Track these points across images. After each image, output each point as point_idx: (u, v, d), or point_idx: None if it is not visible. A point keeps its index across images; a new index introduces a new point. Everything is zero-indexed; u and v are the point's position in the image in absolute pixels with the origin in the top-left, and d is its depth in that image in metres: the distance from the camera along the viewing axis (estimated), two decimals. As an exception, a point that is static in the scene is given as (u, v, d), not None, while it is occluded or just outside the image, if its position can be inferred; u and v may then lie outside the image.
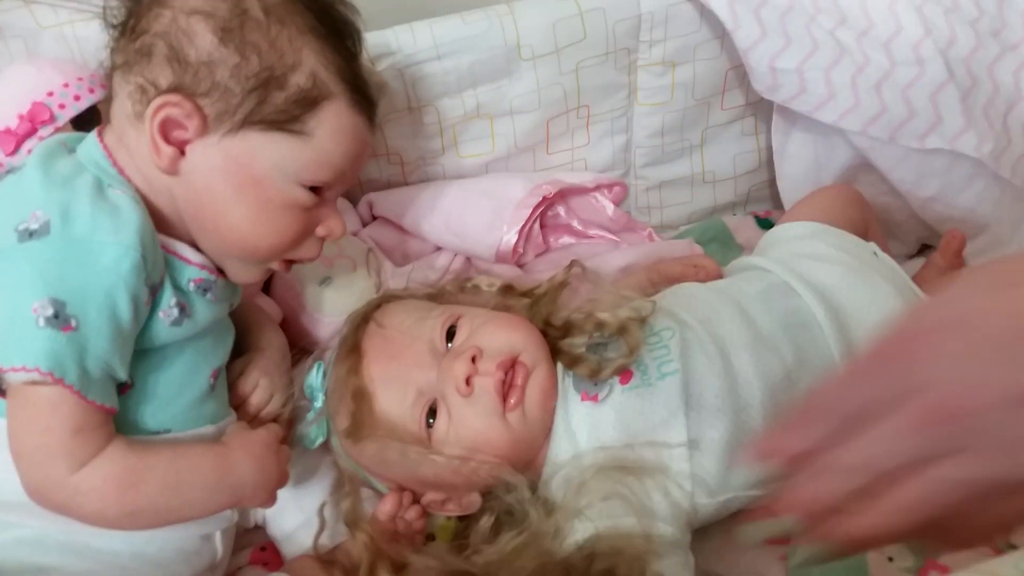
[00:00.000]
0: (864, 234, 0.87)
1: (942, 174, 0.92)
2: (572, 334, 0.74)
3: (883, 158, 0.93)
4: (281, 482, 0.66)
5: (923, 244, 1.04)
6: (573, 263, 0.80)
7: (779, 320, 0.73)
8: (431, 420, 0.68)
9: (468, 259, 0.98)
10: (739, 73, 0.99)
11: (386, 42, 0.88)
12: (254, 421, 0.71)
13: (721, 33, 0.94)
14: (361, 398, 0.68)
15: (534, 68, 0.92)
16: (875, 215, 0.93)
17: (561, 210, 1.03)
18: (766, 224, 1.10)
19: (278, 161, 0.61)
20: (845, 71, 0.90)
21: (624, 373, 0.70)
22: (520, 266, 0.99)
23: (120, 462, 0.56)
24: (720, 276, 0.87)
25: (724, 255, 1.03)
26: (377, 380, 0.69)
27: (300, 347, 0.88)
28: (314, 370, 0.74)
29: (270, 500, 0.65)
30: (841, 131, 0.94)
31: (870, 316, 0.74)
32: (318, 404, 0.73)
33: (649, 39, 0.94)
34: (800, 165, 1.01)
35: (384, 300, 0.77)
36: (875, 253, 0.84)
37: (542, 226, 1.01)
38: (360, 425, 0.67)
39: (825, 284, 0.76)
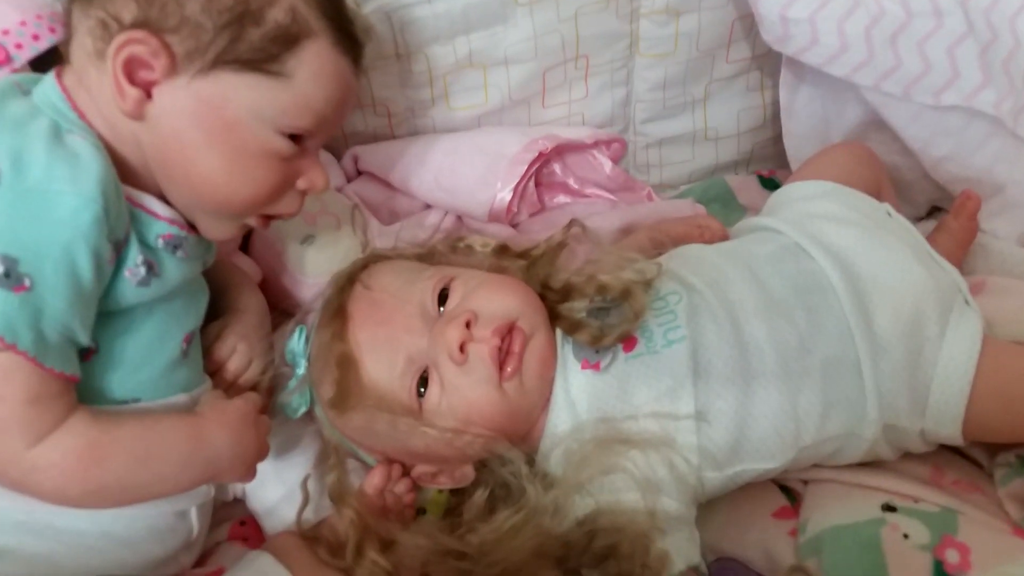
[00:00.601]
0: (877, 194, 0.83)
1: (957, 133, 0.88)
2: (572, 298, 0.70)
3: (895, 115, 0.89)
4: (260, 455, 0.61)
5: (933, 206, 1.00)
6: (572, 223, 0.76)
7: (791, 284, 0.69)
8: (422, 389, 0.64)
9: (459, 218, 0.93)
10: (745, 24, 0.96)
11: (373, -18, 0.82)
12: (231, 389, 0.67)
13: (728, -20, 0.90)
14: (347, 365, 0.64)
15: (530, 14, 0.88)
16: (887, 174, 0.89)
17: (557, 167, 0.99)
18: (770, 184, 1.07)
19: (254, 105, 0.56)
20: (859, 22, 0.85)
21: (628, 340, 0.66)
22: (514, 225, 0.95)
23: (83, 435, 0.51)
24: (726, 237, 0.83)
25: (726, 216, 1.00)
26: (364, 346, 0.65)
27: (281, 309, 0.83)
28: (296, 334, 0.69)
29: (248, 474, 0.61)
30: (852, 86, 0.90)
31: (886, 280, 0.70)
32: (300, 371, 0.68)
33: (652, -15, 0.90)
34: (808, 122, 0.98)
35: (371, 260, 0.72)
36: (889, 213, 0.80)
37: (537, 184, 0.97)
38: (346, 395, 0.63)
39: (839, 246, 0.72)
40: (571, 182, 0.99)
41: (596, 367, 0.66)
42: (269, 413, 0.66)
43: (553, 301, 0.70)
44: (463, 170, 0.89)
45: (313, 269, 0.81)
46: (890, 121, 0.90)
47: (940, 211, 0.99)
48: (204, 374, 0.65)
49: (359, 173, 0.96)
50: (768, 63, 1.00)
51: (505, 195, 0.88)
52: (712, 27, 0.94)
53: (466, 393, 0.63)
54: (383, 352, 0.64)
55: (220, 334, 0.68)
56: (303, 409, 0.68)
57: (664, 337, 0.66)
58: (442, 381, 0.63)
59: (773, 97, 1.02)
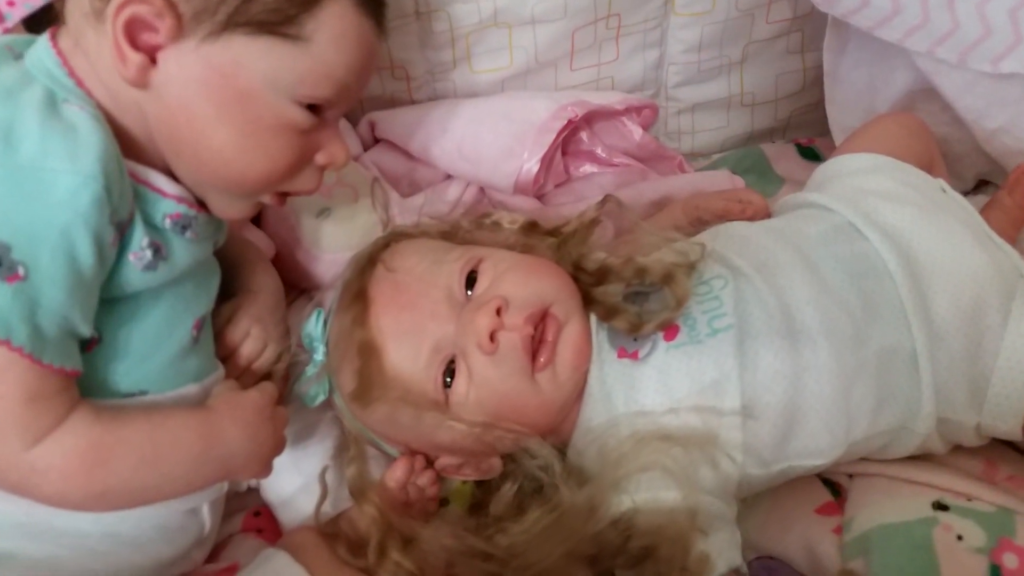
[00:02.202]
0: (929, 169, 0.78)
1: (1015, 103, 0.82)
2: (608, 281, 0.65)
3: (949, 83, 0.84)
4: (277, 450, 0.58)
5: (980, 179, 0.94)
6: (607, 198, 0.71)
7: (845, 268, 0.64)
8: (449, 380, 0.60)
9: (482, 189, 0.88)
10: None
11: (391, -67, 0.76)
12: (245, 375, 0.63)
13: (773, -67, 0.84)
14: (368, 354, 0.59)
15: None
16: (939, 148, 0.84)
17: (584, 135, 0.93)
18: (809, 153, 1.02)
19: (269, 72, 0.51)
20: None
21: (669, 328, 0.62)
22: (539, 197, 0.90)
23: (85, 435, 0.47)
24: (768, 214, 0.77)
25: (763, 188, 0.96)
26: (387, 333, 0.60)
27: (296, 287, 0.79)
28: (313, 317, 0.64)
29: (265, 471, 0.57)
30: (901, 52, 0.84)
31: (945, 264, 0.65)
32: (318, 357, 0.64)
33: (691, -62, 0.85)
34: (853, 89, 0.92)
35: (393, 239, 0.67)
36: (943, 190, 0.75)
37: (563, 153, 0.92)
38: (368, 386, 0.59)
39: (896, 227, 0.67)
40: (599, 151, 0.94)
41: (634, 356, 0.62)
42: (285, 402, 0.63)
43: (587, 284, 0.66)
44: (487, 138, 0.84)
45: (330, 244, 0.76)
46: (943, 89, 0.84)
47: (988, 185, 0.94)
48: (216, 360, 0.61)
49: (376, 141, 0.91)
50: (810, 24, 0.94)
51: (532, 166, 0.83)
52: None
53: (496, 385, 0.59)
54: (407, 339, 0.60)
55: (232, 316, 0.64)
56: (321, 398, 0.63)
57: (709, 325, 0.61)
58: (470, 372, 0.59)
59: (814, 61, 0.97)
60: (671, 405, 0.60)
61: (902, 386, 0.63)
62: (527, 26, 0.86)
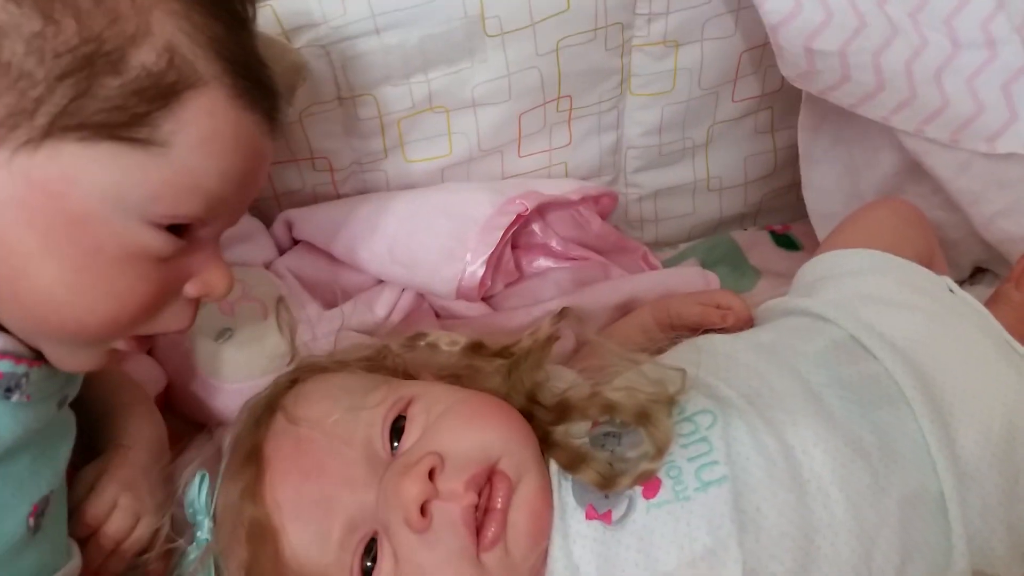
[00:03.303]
0: (929, 264, 0.69)
1: (1015, 184, 0.75)
2: (569, 418, 0.53)
3: (940, 165, 0.77)
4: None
5: (976, 267, 0.86)
6: (564, 311, 0.59)
7: (855, 397, 0.54)
8: (370, 566, 0.46)
9: (421, 295, 0.77)
10: (754, 56, 0.83)
11: (307, 9, 0.67)
12: (111, 559, 0.49)
13: (735, 6, 0.78)
14: (261, 538, 0.46)
15: (503, 47, 0.74)
16: (937, 238, 0.75)
17: (536, 227, 0.83)
18: (784, 241, 0.93)
19: (112, 188, 0.38)
20: (898, 55, 0.73)
21: (649, 482, 0.49)
22: (486, 299, 0.79)
23: None
24: (751, 322, 0.67)
25: (738, 282, 0.88)
26: (286, 509, 0.47)
27: (195, 423, 0.66)
28: (196, 482, 0.51)
29: None
30: (885, 130, 0.77)
31: (968, 386, 0.55)
32: (203, 535, 0.50)
33: (648, 12, 0.77)
34: (832, 171, 0.85)
35: (300, 375, 0.55)
36: (951, 290, 0.65)
37: (513, 247, 0.81)
38: (259, 580, 0.45)
39: (907, 340, 0.57)
40: (554, 243, 0.84)
41: (606, 518, 0.49)
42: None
43: (544, 421, 0.54)
44: (424, 239, 0.73)
45: (232, 372, 0.63)
46: (934, 171, 0.77)
47: (985, 273, 0.86)
48: (70, 546, 0.47)
49: (295, 242, 0.79)
50: (780, 101, 0.87)
51: (476, 269, 0.72)
52: (717, 61, 0.81)
53: (430, 573, 0.46)
54: (313, 516, 0.47)
55: (96, 483, 0.50)
56: (208, 590, 0.49)
57: (697, 477, 0.49)
58: (396, 555, 0.46)
59: (785, 140, 0.90)
60: (655, 583, 0.48)
61: (929, 538, 0.52)
62: (467, 110, 0.77)
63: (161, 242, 0.40)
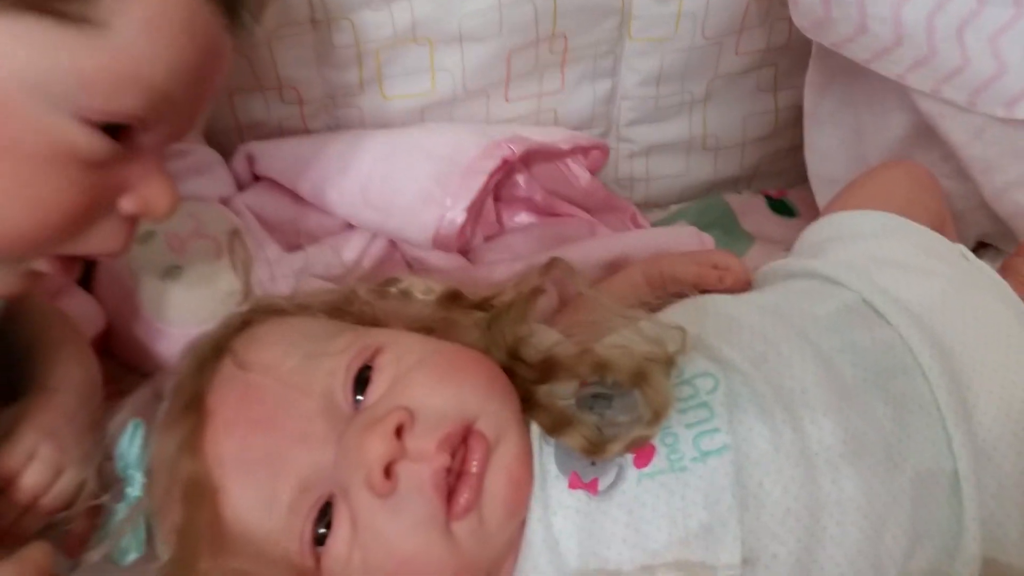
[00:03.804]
0: (941, 231, 0.65)
1: (1032, 154, 0.71)
2: (555, 377, 0.48)
3: (955, 129, 0.73)
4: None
5: (979, 241, 0.83)
6: (554, 261, 0.54)
7: (868, 364, 0.50)
8: (323, 533, 0.41)
9: (392, 243, 0.72)
10: (762, 8, 0.79)
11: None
12: (26, 516, 0.43)
13: (746, -52, 0.74)
14: (198, 497, 0.40)
15: None
16: (948, 204, 0.71)
17: (520, 178, 0.79)
18: (780, 207, 0.90)
19: (34, 73, 0.33)
20: (920, 7, 0.68)
21: (642, 450, 0.44)
22: (463, 252, 0.74)
23: None
24: (750, 284, 0.62)
25: (729, 246, 0.84)
26: (229, 465, 0.42)
27: (136, 371, 0.60)
28: (128, 432, 0.45)
29: None
30: (897, 90, 0.73)
31: (988, 358, 0.51)
32: (134, 492, 0.44)
33: (653, -54, 0.73)
34: (837, 134, 0.81)
35: (254, 317, 0.49)
36: (964, 256, 0.61)
37: (495, 199, 0.77)
38: (192, 550, 0.39)
39: (923, 307, 0.53)
40: (538, 197, 0.80)
41: (592, 488, 0.44)
42: (84, 555, 0.43)
43: (527, 380, 0.49)
44: (401, 181, 0.68)
45: (179, 315, 0.58)
46: (948, 136, 0.73)
47: (987, 248, 0.83)
48: (-23, 498, 0.41)
49: (256, 179, 0.74)
50: (783, 58, 0.83)
51: (456, 215, 0.67)
52: (723, 8, 0.77)
53: (393, 543, 0.40)
54: (259, 475, 0.41)
55: (12, 430, 0.44)
56: (133, 555, 0.43)
57: (695, 446, 0.45)
58: (354, 521, 0.41)
59: (788, 100, 0.86)
60: (645, 561, 0.43)
61: (940, 520, 0.48)
62: (453, 44, 0.71)
63: (93, 143, 0.34)
